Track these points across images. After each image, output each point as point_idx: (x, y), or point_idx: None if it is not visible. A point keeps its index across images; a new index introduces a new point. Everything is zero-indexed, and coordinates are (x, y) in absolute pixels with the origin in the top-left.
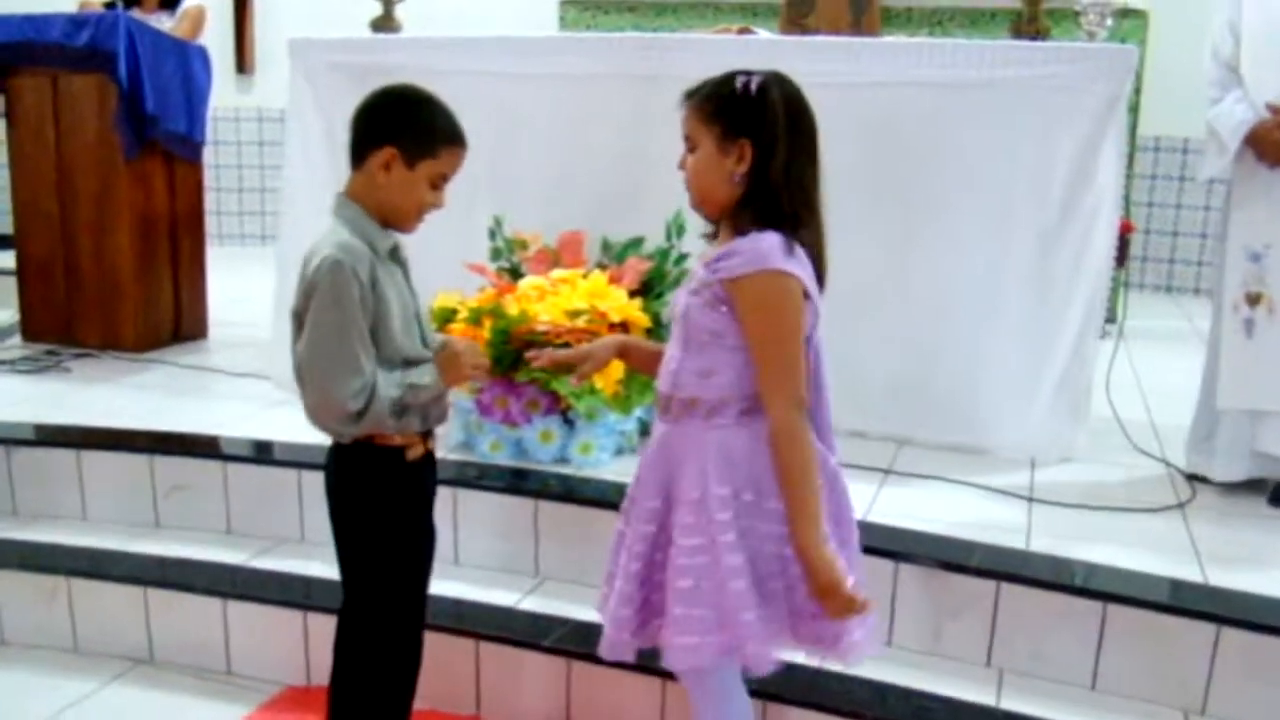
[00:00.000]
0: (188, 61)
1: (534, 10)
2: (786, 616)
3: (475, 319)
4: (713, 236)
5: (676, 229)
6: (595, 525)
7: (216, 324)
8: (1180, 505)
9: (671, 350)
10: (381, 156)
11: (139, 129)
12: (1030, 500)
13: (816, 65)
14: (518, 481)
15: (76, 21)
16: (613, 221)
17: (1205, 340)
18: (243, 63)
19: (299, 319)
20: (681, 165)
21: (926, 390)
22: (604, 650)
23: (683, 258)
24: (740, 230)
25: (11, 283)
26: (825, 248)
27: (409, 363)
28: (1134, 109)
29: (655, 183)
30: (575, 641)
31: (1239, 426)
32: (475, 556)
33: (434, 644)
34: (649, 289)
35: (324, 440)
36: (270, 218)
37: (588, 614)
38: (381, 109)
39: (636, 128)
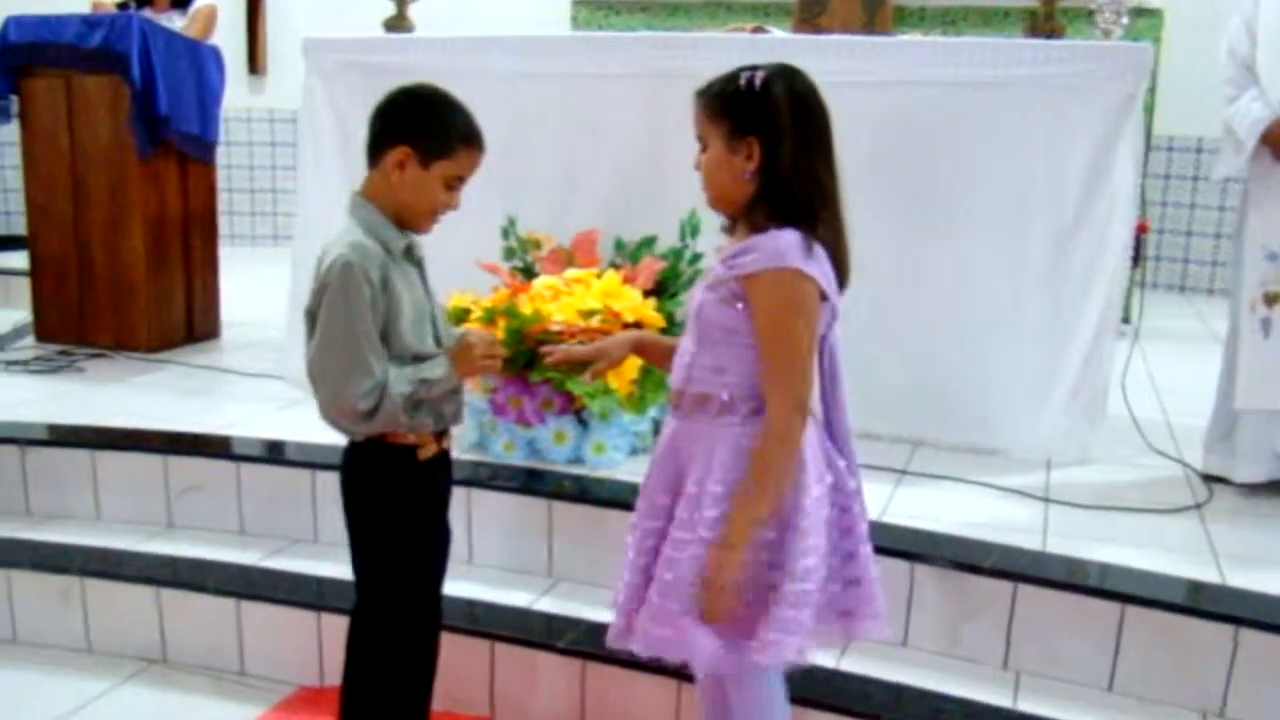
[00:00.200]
0: (201, 62)
1: (546, 10)
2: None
3: (489, 318)
4: (730, 230)
5: (691, 228)
6: (609, 526)
7: (229, 324)
8: (1197, 506)
9: (686, 345)
10: (396, 155)
11: (152, 129)
12: (1046, 501)
13: (830, 64)
14: (531, 482)
15: (90, 23)
16: (626, 221)
17: (1220, 341)
18: (255, 63)
19: (312, 318)
20: (697, 165)
21: (941, 391)
22: (610, 638)
23: (697, 257)
24: (757, 227)
25: (24, 283)
26: (846, 244)
27: (420, 359)
28: (1149, 109)
29: (669, 182)
30: (589, 643)
31: (1260, 427)
32: (489, 557)
33: (448, 644)
34: (663, 289)
35: (338, 440)
36: (282, 218)
37: (602, 615)
38: (398, 108)
39: (650, 127)
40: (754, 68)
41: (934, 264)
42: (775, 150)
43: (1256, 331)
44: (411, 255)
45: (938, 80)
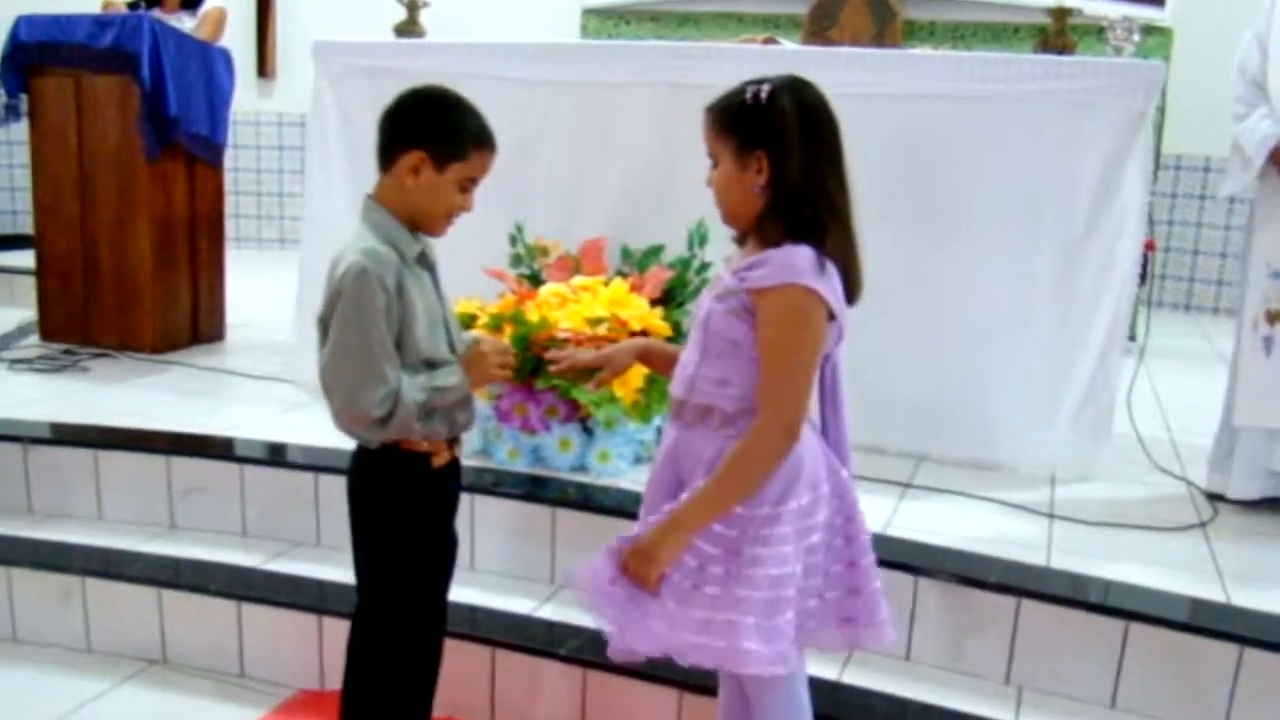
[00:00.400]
0: (211, 64)
1: (556, 18)
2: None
3: (496, 325)
4: (741, 242)
5: (699, 238)
6: (612, 533)
7: (234, 327)
8: (1202, 524)
9: (689, 354)
10: (410, 160)
11: (161, 130)
12: (1051, 517)
13: (840, 76)
14: (535, 489)
15: (101, 22)
16: (634, 229)
17: (1225, 360)
18: (264, 67)
19: (325, 325)
20: (709, 181)
21: (947, 405)
22: (612, 651)
23: (705, 266)
24: (769, 241)
25: (30, 282)
26: (857, 259)
27: (432, 365)
28: (1157, 128)
29: (677, 191)
30: (591, 650)
31: (1256, 445)
32: (491, 563)
33: (449, 651)
34: (670, 298)
35: (342, 443)
36: (289, 222)
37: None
38: (410, 111)
39: (659, 136)
40: (761, 81)
41: (941, 278)
42: (783, 163)
43: (1258, 349)
44: (425, 260)
45: (948, 94)
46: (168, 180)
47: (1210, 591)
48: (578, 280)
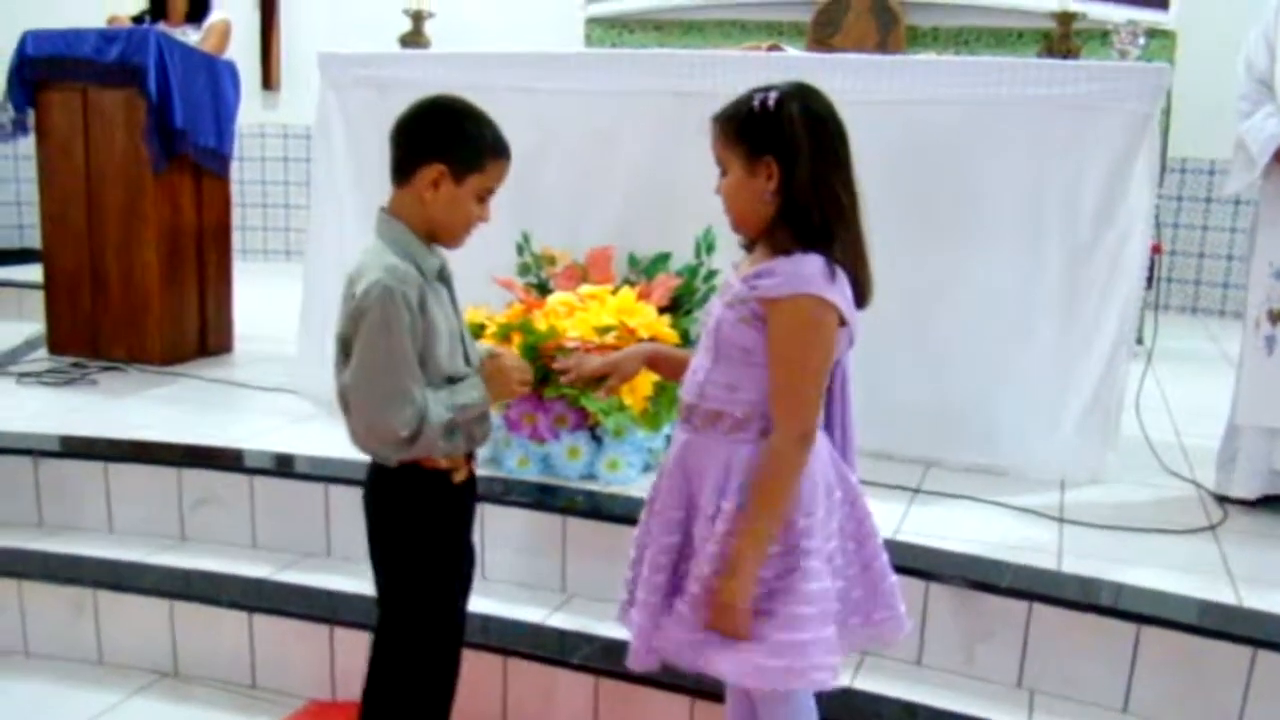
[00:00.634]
0: (217, 76)
1: (561, 28)
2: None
3: (504, 334)
4: (749, 248)
5: (706, 245)
6: (623, 542)
7: (241, 338)
8: (1212, 527)
9: (700, 360)
10: (430, 174)
11: (168, 143)
12: (1061, 521)
13: (845, 83)
14: (545, 497)
15: (107, 36)
16: (641, 237)
17: (1232, 362)
18: (268, 79)
19: (345, 343)
20: (718, 190)
21: (955, 410)
22: (631, 661)
23: (712, 274)
24: (779, 249)
25: (38, 296)
26: (867, 265)
27: (452, 380)
28: (1162, 131)
29: (684, 199)
30: (603, 659)
31: (1257, 444)
32: (502, 572)
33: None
34: (678, 305)
35: (350, 454)
36: (294, 234)
37: (616, 631)
38: (427, 123)
39: (666, 144)
40: (768, 88)
41: (948, 283)
42: (793, 170)
43: (1260, 349)
44: (443, 275)
45: (953, 100)
46: (175, 192)
47: (1221, 594)
48: (585, 289)
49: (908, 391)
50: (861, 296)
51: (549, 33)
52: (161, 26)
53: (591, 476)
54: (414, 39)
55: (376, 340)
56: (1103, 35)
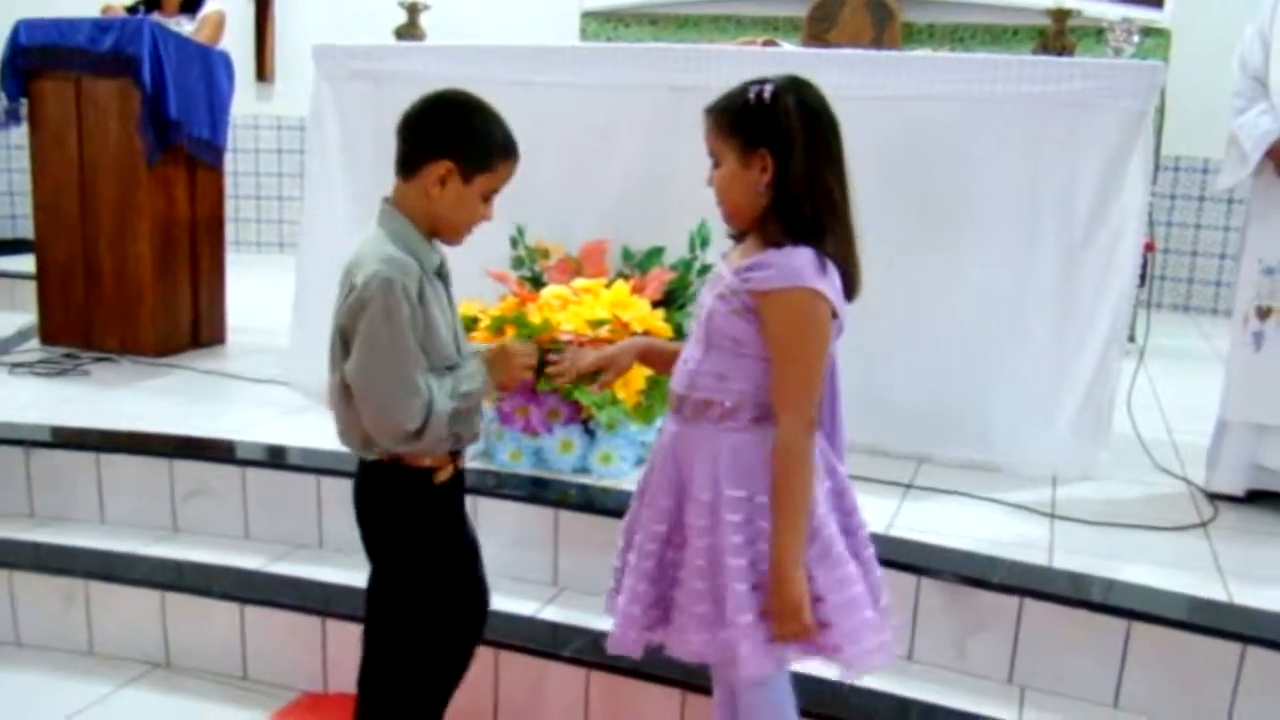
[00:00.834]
0: (211, 67)
1: (556, 21)
2: None
3: (497, 327)
4: (738, 239)
5: (701, 240)
6: (615, 535)
7: (234, 330)
8: (1203, 524)
9: (690, 350)
10: (438, 170)
11: (161, 134)
12: (1052, 517)
13: (840, 78)
14: (537, 491)
15: (101, 26)
16: (635, 231)
17: (1223, 359)
18: (262, 70)
19: (343, 334)
20: (710, 181)
21: (948, 407)
22: (611, 645)
23: (706, 268)
24: (770, 240)
25: (31, 286)
26: (856, 257)
27: (448, 369)
28: (1156, 129)
29: (678, 193)
30: (594, 652)
31: (1243, 439)
32: (494, 565)
33: None
34: (672, 299)
35: (342, 446)
36: (288, 226)
37: (607, 624)
38: (438, 119)
39: (660, 138)
40: (763, 81)
41: (942, 280)
42: (786, 163)
43: (1248, 344)
44: (442, 272)
45: (948, 96)
46: (168, 184)
47: (1212, 590)
48: (579, 282)
49: (901, 387)
50: (851, 289)
51: (544, 26)
52: (156, 17)
53: (584, 470)
54: (409, 31)
55: (379, 332)
56: (1098, 33)
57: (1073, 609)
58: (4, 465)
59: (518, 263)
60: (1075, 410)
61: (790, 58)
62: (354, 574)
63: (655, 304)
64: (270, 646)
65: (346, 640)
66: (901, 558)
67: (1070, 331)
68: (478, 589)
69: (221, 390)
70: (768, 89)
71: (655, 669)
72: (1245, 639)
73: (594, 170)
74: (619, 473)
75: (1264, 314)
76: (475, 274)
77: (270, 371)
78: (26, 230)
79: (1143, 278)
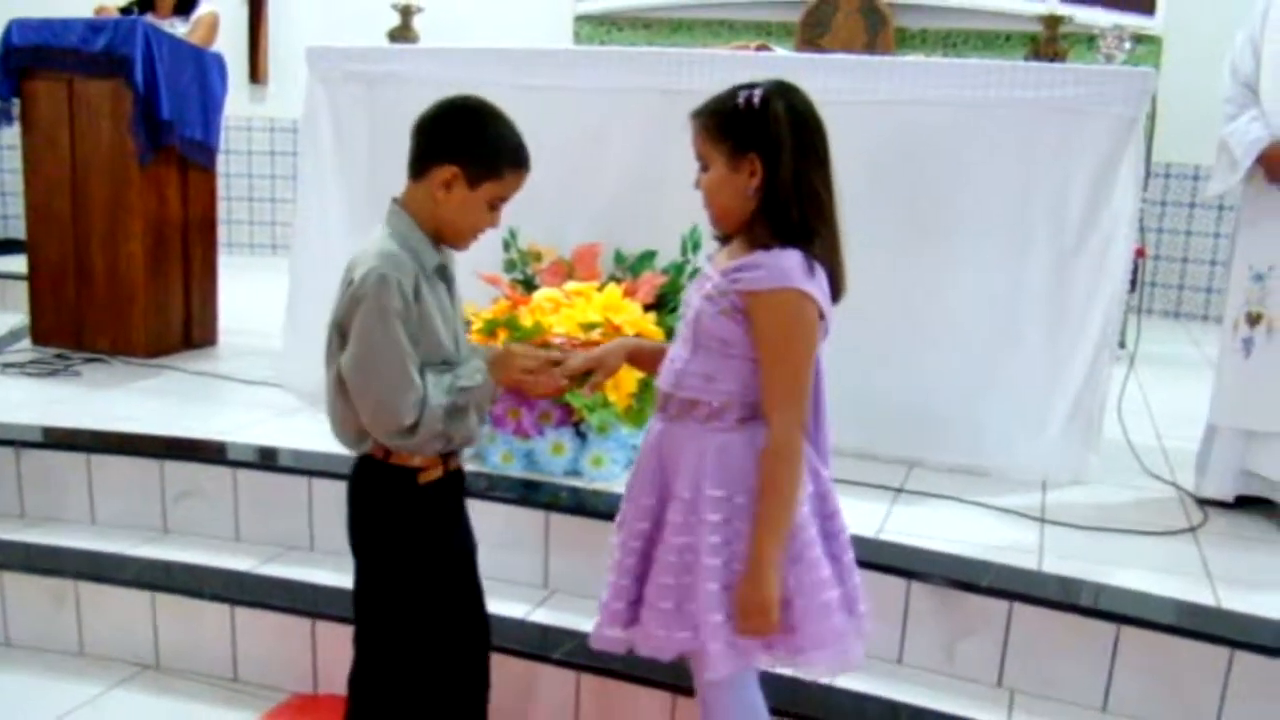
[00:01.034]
0: (204, 69)
1: (549, 25)
2: None
3: (490, 330)
4: (724, 242)
5: (692, 243)
6: (606, 538)
7: (226, 331)
8: (1192, 529)
9: (677, 350)
10: (444, 174)
11: (154, 134)
12: (1042, 521)
13: (833, 83)
14: (528, 493)
15: (94, 26)
16: (627, 235)
17: (1213, 366)
18: (256, 72)
19: (340, 329)
20: (697, 184)
21: (939, 411)
22: (592, 641)
23: (698, 272)
24: (758, 243)
25: (22, 286)
26: (842, 260)
27: (448, 365)
28: (1147, 135)
29: (670, 197)
30: (585, 654)
31: (1231, 445)
32: (485, 568)
33: None
34: (664, 303)
35: (333, 448)
36: (280, 228)
37: None
38: (449, 123)
39: (653, 142)
40: (751, 85)
41: (932, 284)
42: (775, 166)
43: (1238, 351)
44: (444, 273)
45: (940, 101)
46: (160, 184)
47: (1200, 595)
48: (571, 285)
49: (892, 391)
50: (837, 291)
51: (538, 29)
52: (149, 18)
53: (575, 473)
54: (402, 34)
55: (374, 327)
56: (1089, 39)
57: (1062, 613)
58: None
59: (510, 265)
60: (1065, 415)
61: (783, 62)
62: (345, 576)
63: (647, 307)
64: (260, 648)
65: (337, 642)
66: (891, 561)
67: (1061, 337)
68: (470, 596)
69: (213, 391)
70: (756, 94)
71: (645, 671)
72: (1233, 643)
73: (586, 174)
74: (610, 475)
75: (1254, 320)
76: (467, 276)
77: (262, 373)
78: (18, 230)
79: (1133, 283)
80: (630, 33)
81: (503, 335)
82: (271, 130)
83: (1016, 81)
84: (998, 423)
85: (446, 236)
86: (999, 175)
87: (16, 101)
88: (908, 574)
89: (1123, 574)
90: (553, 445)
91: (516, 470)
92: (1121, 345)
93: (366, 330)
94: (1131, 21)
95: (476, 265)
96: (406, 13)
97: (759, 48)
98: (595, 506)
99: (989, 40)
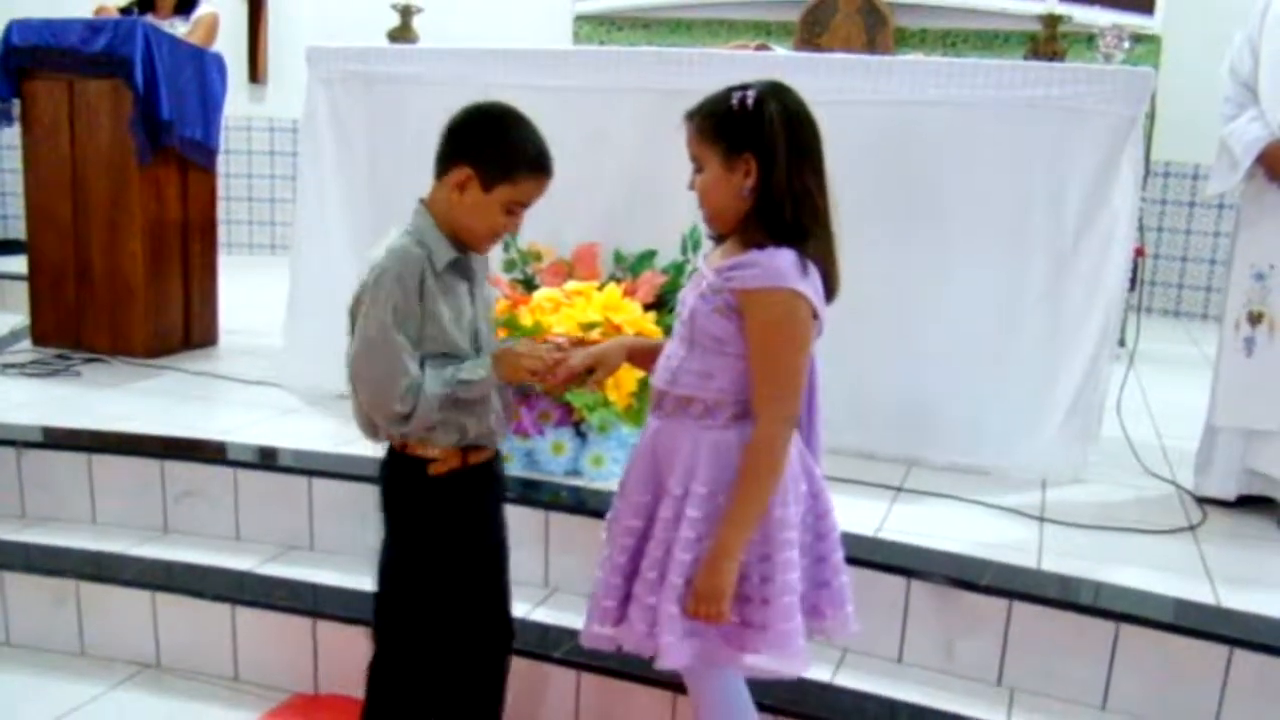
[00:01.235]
0: (204, 69)
1: (549, 25)
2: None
3: None
4: (719, 241)
5: (693, 243)
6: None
7: (226, 331)
8: (1191, 527)
9: (673, 347)
10: (458, 175)
11: (154, 135)
12: (1042, 520)
13: (833, 83)
14: (529, 492)
15: (94, 27)
16: (626, 234)
17: (1212, 364)
18: (255, 72)
19: (352, 319)
20: (691, 185)
21: (938, 411)
22: (583, 639)
23: (696, 272)
24: (752, 242)
25: (22, 287)
26: (836, 259)
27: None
28: (1146, 134)
29: (670, 196)
30: (586, 653)
31: (1234, 444)
32: None
33: None
34: (663, 302)
35: (333, 447)
36: (280, 228)
37: None
38: (468, 126)
39: (652, 142)
40: (745, 86)
41: (932, 284)
42: (770, 167)
43: (1239, 350)
44: (460, 268)
45: (939, 100)
46: (160, 185)
47: (1200, 593)
48: (571, 285)
49: (891, 391)
50: (831, 290)
51: (537, 30)
52: (149, 18)
53: (576, 472)
54: (402, 34)
55: (369, 318)
56: (1088, 39)
57: (1061, 611)
58: None
59: (510, 265)
60: (1065, 414)
61: (782, 62)
62: (345, 575)
63: (647, 307)
64: (261, 648)
65: (337, 642)
66: (891, 560)
67: (1060, 336)
68: (488, 595)
69: (213, 391)
70: (750, 95)
71: (646, 670)
72: (1233, 642)
73: (586, 173)
74: (610, 475)
75: (1255, 319)
76: None
77: (262, 373)
78: (18, 231)
79: (1133, 282)
80: (630, 32)
81: (503, 335)
82: (271, 130)
83: (1015, 81)
84: (997, 421)
85: (463, 238)
86: (998, 175)
87: (16, 102)
88: (907, 573)
89: (1122, 572)
90: (553, 445)
91: (517, 469)
92: (1121, 344)
93: (364, 322)
94: (1130, 21)
95: None
96: (406, 13)
97: (758, 47)
98: (595, 506)
99: (988, 40)
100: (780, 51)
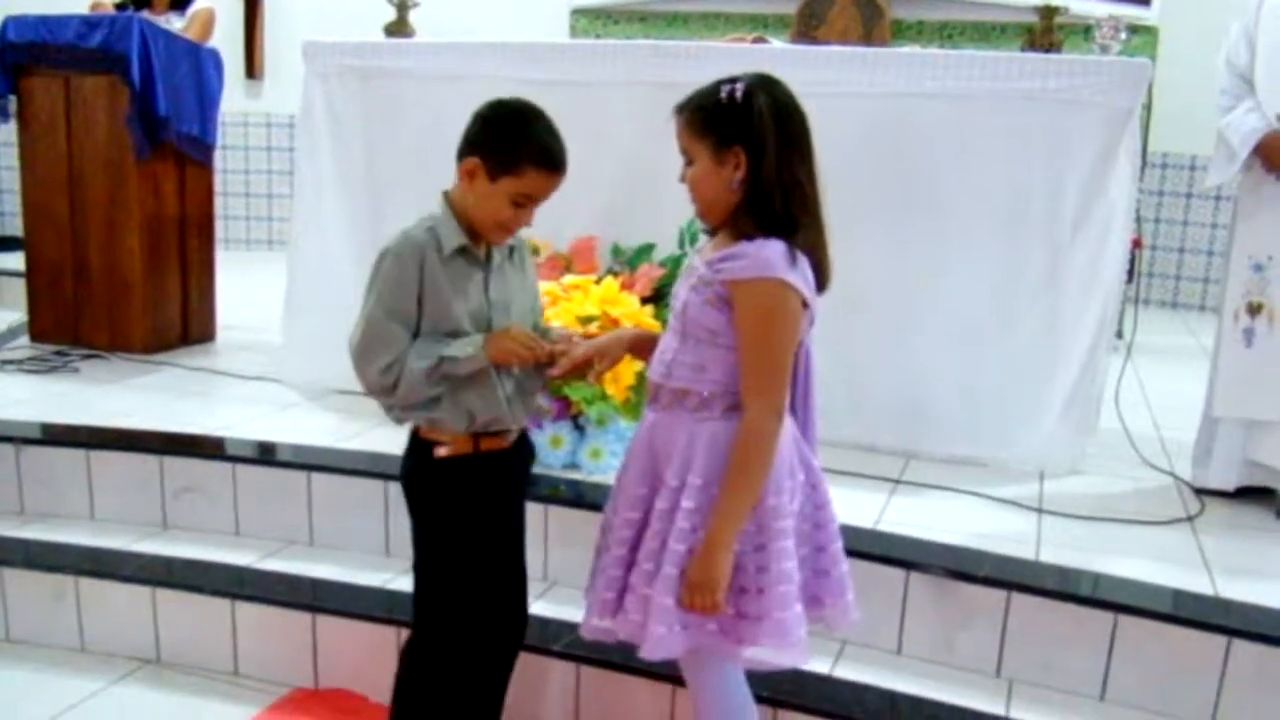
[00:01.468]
0: (200, 64)
1: (546, 19)
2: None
3: None
4: (712, 233)
5: (690, 236)
6: None
7: (224, 327)
8: (1189, 518)
9: (668, 341)
10: (467, 165)
11: (151, 130)
12: (1040, 511)
13: (828, 75)
14: (527, 486)
15: (90, 23)
16: (624, 228)
17: (1210, 355)
18: (251, 68)
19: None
20: (682, 178)
21: (936, 403)
22: (583, 630)
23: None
24: (743, 234)
25: (20, 284)
26: (826, 250)
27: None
28: (1143, 125)
29: (667, 189)
30: (585, 646)
31: (1233, 435)
32: None
33: None
34: (661, 296)
35: (332, 442)
36: (277, 223)
37: None
38: (482, 118)
39: (649, 135)
40: (734, 80)
41: (929, 276)
42: (759, 159)
43: (1238, 341)
44: (470, 256)
45: (936, 92)
46: (158, 180)
47: (1198, 584)
48: (569, 279)
49: (889, 383)
50: (822, 281)
51: (534, 23)
52: (145, 14)
53: (574, 465)
54: (399, 28)
55: (369, 295)
56: (1085, 30)
57: (1060, 602)
58: None
59: None
60: (1063, 405)
61: (779, 55)
62: (345, 570)
63: (644, 300)
64: (261, 643)
65: (337, 637)
66: (890, 552)
67: (1058, 327)
68: (501, 583)
69: (211, 387)
70: (739, 88)
71: (646, 664)
72: (1231, 632)
73: (583, 167)
74: (609, 468)
75: (1254, 310)
76: None
77: (260, 368)
78: (15, 227)
79: (1130, 274)
80: (626, 26)
81: None
82: (268, 125)
83: (1012, 73)
84: (995, 413)
85: (475, 227)
86: (995, 167)
87: (13, 98)
88: (906, 564)
89: (1120, 563)
90: (551, 438)
91: None
92: (1119, 335)
93: (365, 300)
94: (1127, 12)
95: None
96: (402, 7)
97: (755, 40)
98: (594, 499)
99: (984, 32)
100: (777, 44)
